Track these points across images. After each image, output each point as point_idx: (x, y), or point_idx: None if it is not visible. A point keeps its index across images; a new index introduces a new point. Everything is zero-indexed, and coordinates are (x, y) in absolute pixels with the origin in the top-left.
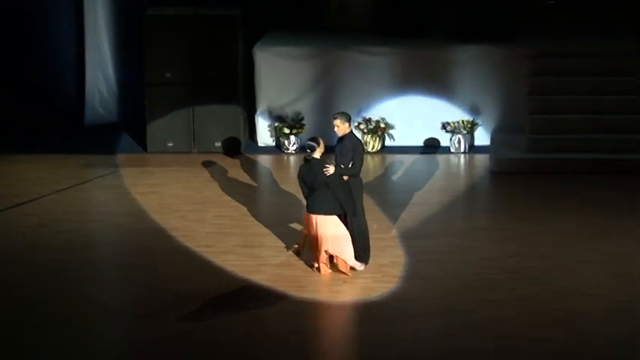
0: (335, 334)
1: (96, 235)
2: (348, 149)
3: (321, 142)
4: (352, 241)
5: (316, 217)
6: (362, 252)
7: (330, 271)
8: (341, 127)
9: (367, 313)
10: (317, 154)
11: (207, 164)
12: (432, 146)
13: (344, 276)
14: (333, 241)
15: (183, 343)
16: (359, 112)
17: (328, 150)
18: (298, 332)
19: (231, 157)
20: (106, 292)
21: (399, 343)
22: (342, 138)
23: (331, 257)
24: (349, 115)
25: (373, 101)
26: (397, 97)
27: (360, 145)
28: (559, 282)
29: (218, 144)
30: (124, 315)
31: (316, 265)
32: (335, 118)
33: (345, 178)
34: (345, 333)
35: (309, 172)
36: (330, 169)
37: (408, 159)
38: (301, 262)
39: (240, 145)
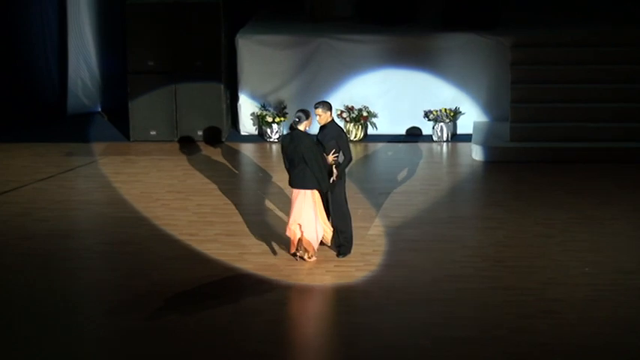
0: (318, 323)
1: (79, 223)
2: (330, 137)
3: (310, 116)
4: (334, 231)
5: (298, 192)
6: (345, 241)
7: (294, 252)
8: (322, 116)
9: (350, 302)
10: (302, 127)
11: (189, 153)
12: (414, 135)
13: (327, 265)
14: (307, 218)
15: (167, 332)
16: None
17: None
18: (281, 321)
19: (214, 145)
20: (89, 281)
21: (382, 332)
22: (323, 126)
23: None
24: (330, 104)
25: (356, 89)
26: (380, 85)
27: (343, 133)
28: (543, 271)
29: (200, 133)
30: (107, 303)
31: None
32: (316, 107)
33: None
34: (329, 322)
35: (290, 142)
36: (330, 159)
37: (390, 147)
38: (284, 251)
39: (222, 134)
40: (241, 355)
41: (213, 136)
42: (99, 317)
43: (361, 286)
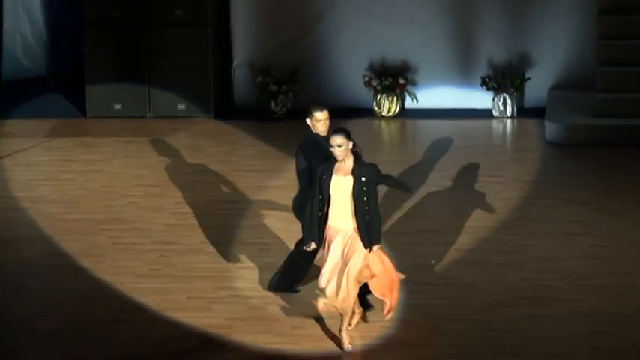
0: None
1: (18, 228)
2: None
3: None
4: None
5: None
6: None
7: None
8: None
9: (385, 333)
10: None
11: (166, 134)
12: (467, 109)
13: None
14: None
15: None
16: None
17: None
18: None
19: (199, 123)
20: (30, 304)
21: None
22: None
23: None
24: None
25: (389, 49)
26: (421, 43)
27: None
28: None
29: (182, 106)
30: (54, 336)
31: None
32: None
33: None
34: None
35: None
36: None
37: (435, 126)
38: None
39: (210, 107)
40: None
41: (198, 111)
42: (44, 353)
43: (398, 312)
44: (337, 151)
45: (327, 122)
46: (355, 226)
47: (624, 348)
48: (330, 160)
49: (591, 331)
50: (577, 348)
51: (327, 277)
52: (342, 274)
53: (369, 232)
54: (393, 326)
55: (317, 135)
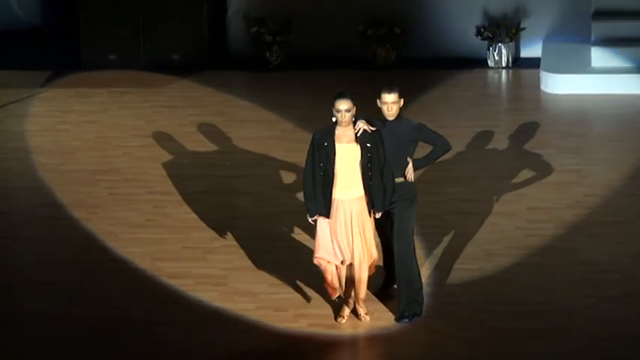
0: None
1: (12, 179)
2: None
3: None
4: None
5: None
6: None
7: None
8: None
9: (375, 282)
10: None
11: (161, 84)
12: (463, 59)
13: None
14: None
15: (127, 328)
16: None
17: None
18: (295, 306)
19: (194, 73)
20: (27, 255)
21: (419, 320)
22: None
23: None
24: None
25: None
26: None
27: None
28: (633, 241)
29: (176, 57)
30: (50, 287)
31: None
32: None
33: None
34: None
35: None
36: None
37: (430, 76)
38: (291, 214)
39: (205, 58)
40: None
41: (192, 61)
42: (43, 306)
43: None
44: (344, 116)
45: (395, 106)
46: (363, 193)
47: (618, 296)
48: (329, 126)
49: (585, 279)
50: (571, 296)
51: (346, 251)
52: (360, 242)
53: (372, 199)
54: (383, 274)
55: (383, 119)
